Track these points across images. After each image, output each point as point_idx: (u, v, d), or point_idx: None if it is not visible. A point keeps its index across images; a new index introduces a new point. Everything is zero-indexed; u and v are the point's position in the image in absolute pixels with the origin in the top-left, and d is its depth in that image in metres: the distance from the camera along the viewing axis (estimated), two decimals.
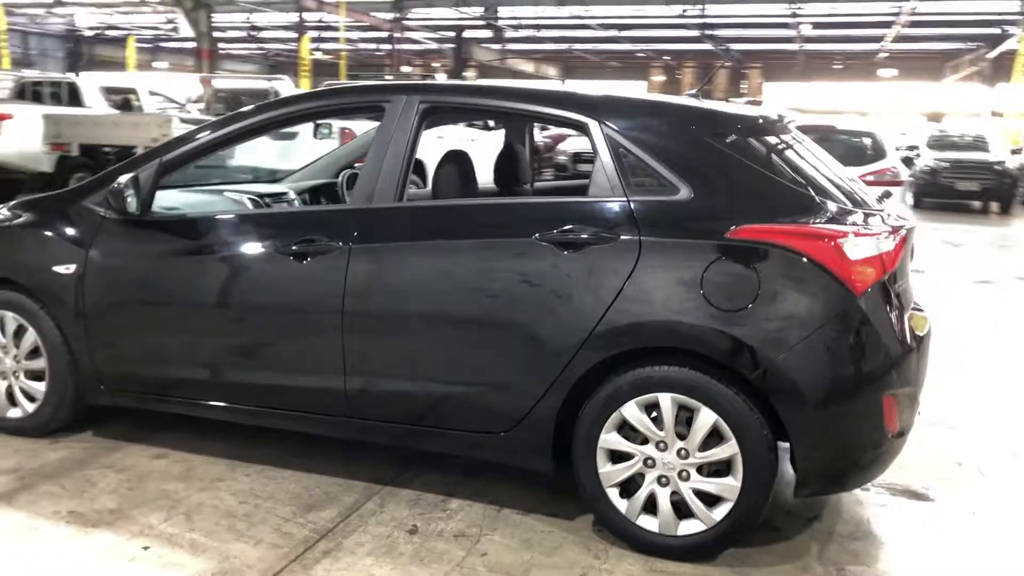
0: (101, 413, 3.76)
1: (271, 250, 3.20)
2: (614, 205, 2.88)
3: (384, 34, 32.77)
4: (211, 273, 3.31)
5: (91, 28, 37.69)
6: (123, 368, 3.49)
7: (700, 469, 2.79)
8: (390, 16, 30.01)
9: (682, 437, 2.79)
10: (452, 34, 34.87)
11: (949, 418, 4.23)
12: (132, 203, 3.29)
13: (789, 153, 3.09)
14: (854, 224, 2.81)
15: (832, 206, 2.87)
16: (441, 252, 3.04)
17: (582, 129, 3.00)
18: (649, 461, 2.83)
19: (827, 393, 2.67)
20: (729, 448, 2.74)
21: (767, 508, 2.81)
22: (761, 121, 3.07)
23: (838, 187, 3.12)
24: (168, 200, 3.73)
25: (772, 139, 3.08)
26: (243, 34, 37.50)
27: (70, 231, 3.51)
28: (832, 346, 2.67)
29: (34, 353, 3.61)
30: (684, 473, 2.80)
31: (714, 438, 2.76)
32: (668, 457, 2.81)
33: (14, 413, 3.69)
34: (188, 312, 3.37)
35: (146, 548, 2.83)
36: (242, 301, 3.27)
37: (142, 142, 9.37)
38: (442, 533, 2.99)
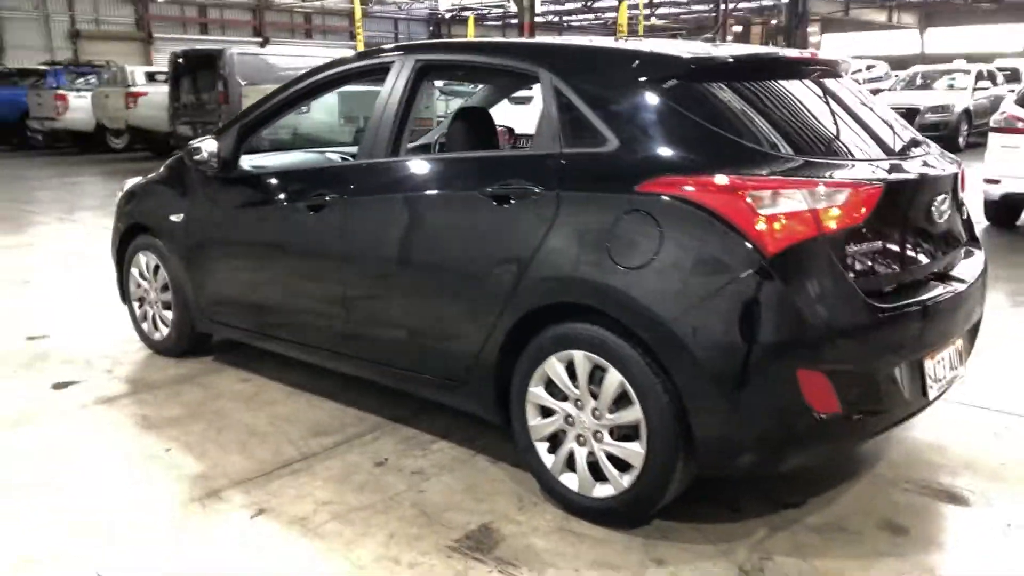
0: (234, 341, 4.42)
1: (301, 202, 3.57)
2: (547, 158, 2.82)
3: None
4: (259, 223, 3.80)
5: (448, 11, 41.40)
6: (212, 302, 4.13)
7: (612, 432, 2.69)
8: None
9: (596, 397, 2.70)
10: None
11: None
12: (209, 162, 3.88)
13: (763, 99, 2.77)
14: (792, 175, 2.47)
15: (793, 158, 2.55)
16: (409, 204, 3.19)
17: (534, 79, 2.96)
18: (569, 419, 2.78)
19: (722, 361, 2.42)
20: (634, 412, 2.60)
21: (679, 480, 2.61)
22: (731, 61, 2.78)
23: (832, 137, 2.76)
24: (274, 160, 4.30)
25: (744, 83, 2.77)
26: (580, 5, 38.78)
27: (181, 186, 4.20)
28: (731, 311, 2.40)
29: (165, 288, 4.38)
30: (598, 434, 2.71)
31: (624, 400, 2.63)
32: (584, 416, 2.74)
33: (157, 336, 4.52)
34: (247, 255, 3.89)
35: (168, 450, 3.39)
36: (278, 247, 3.71)
37: None
38: (403, 469, 3.19)
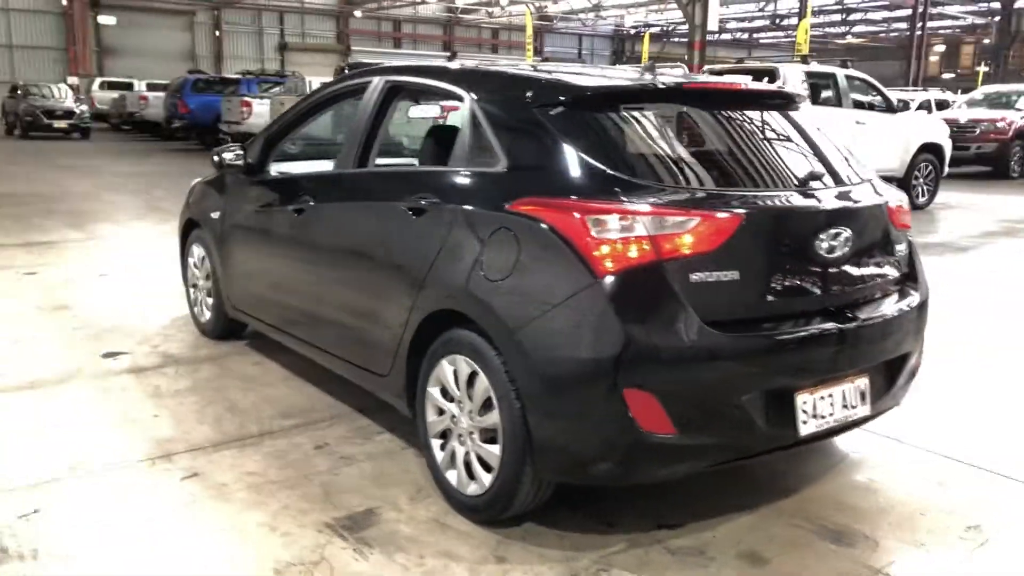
0: None
1: (290, 206, 3.96)
2: (454, 176, 3.04)
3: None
4: (263, 222, 4.23)
5: (632, 27, 41.58)
6: (233, 291, 4.61)
7: (481, 433, 2.85)
8: None
9: (472, 400, 2.88)
10: (998, 4, 30.57)
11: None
12: (235, 165, 4.37)
13: (657, 127, 2.85)
14: (641, 203, 2.54)
15: (658, 186, 2.63)
16: (355, 212, 3.50)
17: (461, 101, 3.17)
18: (454, 419, 2.97)
19: (555, 374, 2.53)
20: (495, 416, 2.75)
21: (530, 484, 2.73)
22: (625, 89, 2.87)
23: (720, 168, 2.82)
24: (300, 167, 4.73)
25: (642, 111, 2.86)
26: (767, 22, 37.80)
27: (221, 186, 4.72)
28: (564, 326, 2.51)
29: (208, 277, 4.93)
30: (472, 435, 2.88)
31: (490, 404, 2.79)
32: (463, 417, 2.92)
33: (203, 320, 5.08)
34: (254, 251, 4.34)
35: (156, 416, 3.86)
36: (274, 245, 4.12)
37: None
38: (335, 453, 3.48)
